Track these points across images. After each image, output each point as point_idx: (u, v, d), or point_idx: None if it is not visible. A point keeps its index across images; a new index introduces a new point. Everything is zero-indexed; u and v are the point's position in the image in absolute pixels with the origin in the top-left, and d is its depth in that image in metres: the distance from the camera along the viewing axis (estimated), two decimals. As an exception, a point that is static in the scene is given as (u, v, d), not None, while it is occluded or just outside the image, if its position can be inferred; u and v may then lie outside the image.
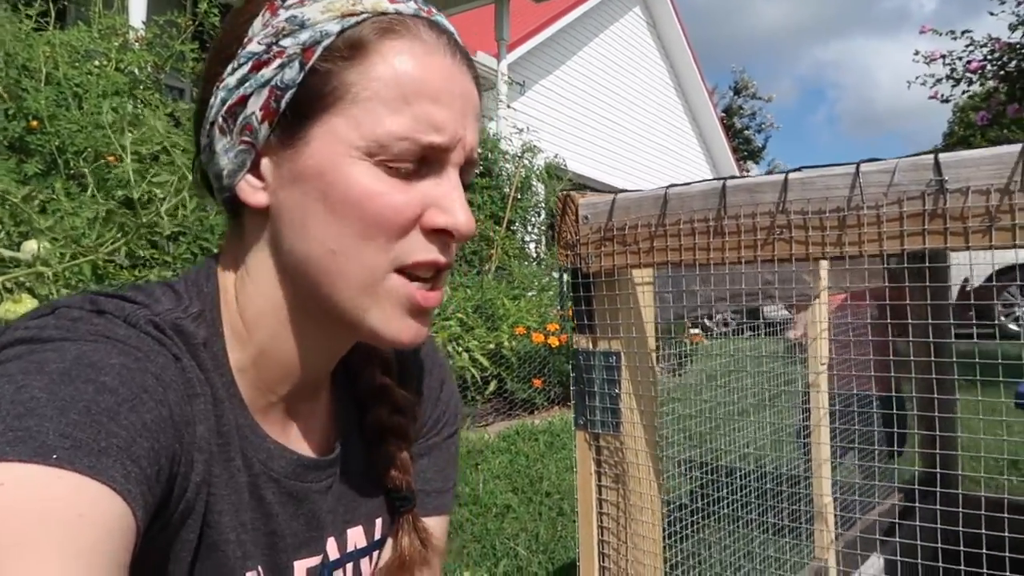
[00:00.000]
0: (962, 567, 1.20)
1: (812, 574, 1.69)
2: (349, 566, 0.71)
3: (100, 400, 0.46)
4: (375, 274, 0.57)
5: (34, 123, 3.88)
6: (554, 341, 4.71)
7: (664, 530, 1.45)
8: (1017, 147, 0.69)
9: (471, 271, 5.84)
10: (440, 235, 0.58)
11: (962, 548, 1.14)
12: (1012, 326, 7.81)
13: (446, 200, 0.57)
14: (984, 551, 1.20)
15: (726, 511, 1.71)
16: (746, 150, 24.05)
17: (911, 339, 1.35)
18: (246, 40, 0.58)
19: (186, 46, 4.90)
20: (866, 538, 1.94)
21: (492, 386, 4.56)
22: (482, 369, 4.42)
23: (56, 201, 3.08)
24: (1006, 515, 1.13)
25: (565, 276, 1.06)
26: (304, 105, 0.56)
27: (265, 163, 0.58)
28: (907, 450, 2.36)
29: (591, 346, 1.03)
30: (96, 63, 4.46)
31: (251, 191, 0.59)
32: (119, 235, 2.28)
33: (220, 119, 0.59)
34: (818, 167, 0.81)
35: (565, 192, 1.02)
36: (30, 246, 2.29)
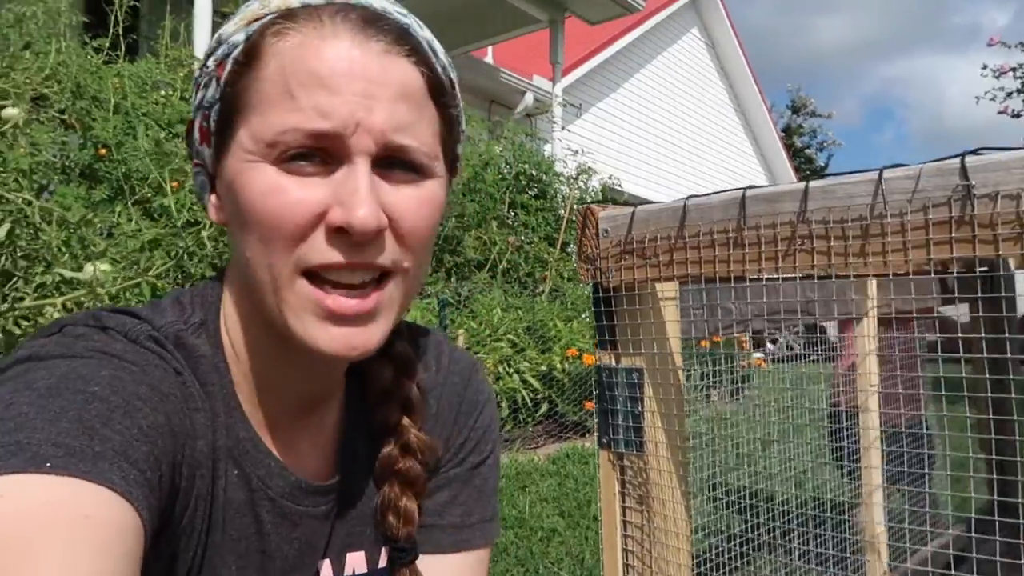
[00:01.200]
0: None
1: (863, 606, 1.61)
2: None
3: (90, 408, 0.46)
4: (280, 279, 0.54)
5: (102, 151, 4.05)
6: (589, 359, 4.66)
7: (699, 556, 1.40)
8: (1049, 149, 0.65)
9: (523, 292, 5.83)
10: (344, 234, 0.53)
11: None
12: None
13: (346, 194, 0.53)
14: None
15: (774, 540, 1.65)
16: (808, 169, 23.58)
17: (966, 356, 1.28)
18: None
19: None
20: (920, 571, 1.85)
21: (543, 408, 4.53)
22: (533, 391, 4.40)
23: (119, 226, 3.20)
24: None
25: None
26: (222, 121, 0.57)
27: (218, 183, 0.60)
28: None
29: (614, 362, 1.01)
30: (162, 93, 4.64)
31: (214, 210, 0.61)
32: (167, 258, 2.36)
33: (187, 145, 0.62)
34: (839, 175, 0.78)
35: (585, 205, 1.00)
36: (89, 268, 2.39)
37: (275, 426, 0.63)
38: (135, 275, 2.66)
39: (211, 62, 0.58)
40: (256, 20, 0.55)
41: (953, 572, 1.70)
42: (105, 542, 0.41)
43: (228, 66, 0.56)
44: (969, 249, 0.69)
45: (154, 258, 2.44)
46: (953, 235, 0.70)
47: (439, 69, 0.58)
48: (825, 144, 24.59)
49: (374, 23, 0.54)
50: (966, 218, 0.69)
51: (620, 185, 8.39)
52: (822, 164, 24.43)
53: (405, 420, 0.68)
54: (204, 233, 2.16)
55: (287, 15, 0.54)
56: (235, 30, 0.56)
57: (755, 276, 0.84)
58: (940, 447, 2.14)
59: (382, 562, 0.71)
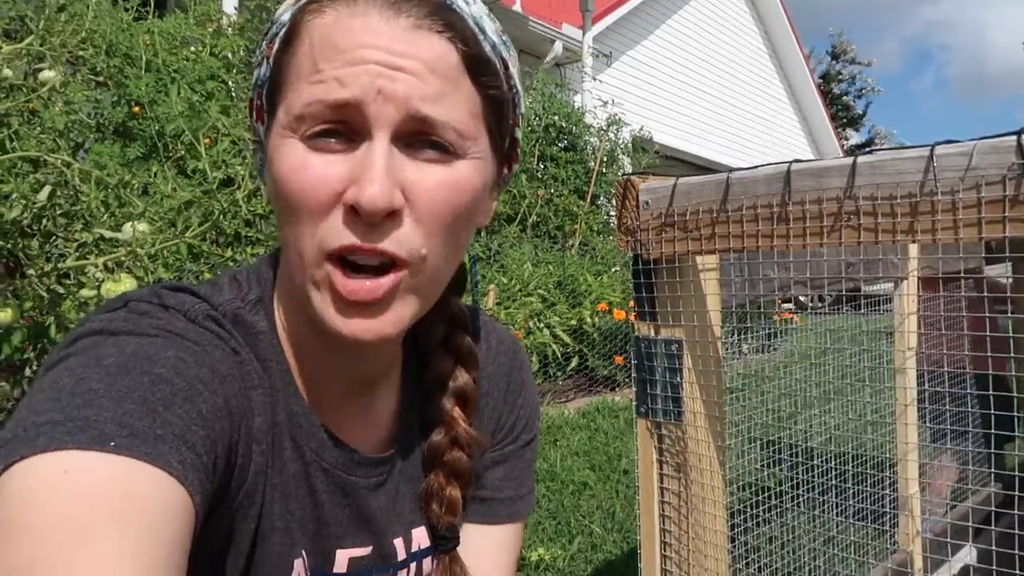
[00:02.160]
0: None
1: (896, 564, 1.63)
2: (413, 566, 0.72)
3: (155, 391, 0.48)
4: (307, 259, 0.54)
5: (136, 108, 4.07)
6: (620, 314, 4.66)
7: (735, 513, 1.42)
8: (1111, 127, 0.63)
9: (553, 246, 5.82)
10: (350, 214, 0.53)
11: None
12: None
13: (360, 170, 0.52)
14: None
15: (809, 494, 1.66)
16: (845, 117, 22.98)
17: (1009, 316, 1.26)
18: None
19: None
20: (960, 526, 1.85)
21: (573, 362, 4.56)
22: (563, 345, 4.42)
23: (155, 184, 3.23)
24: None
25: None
26: (269, 99, 0.58)
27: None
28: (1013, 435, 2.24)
29: (653, 333, 1.01)
30: (192, 49, 4.64)
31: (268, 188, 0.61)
32: (203, 218, 2.39)
33: (250, 124, 0.63)
34: (889, 150, 0.76)
35: (625, 176, 0.99)
36: (128, 228, 2.43)
37: (327, 402, 0.65)
38: (173, 236, 2.70)
39: (264, 42, 0.59)
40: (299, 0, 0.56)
41: (993, 527, 1.70)
42: (158, 524, 0.42)
43: (275, 45, 0.57)
44: (1022, 229, 0.68)
45: (191, 219, 2.47)
46: (1007, 214, 0.69)
47: (485, 47, 0.56)
48: (864, 91, 23.94)
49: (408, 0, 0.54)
50: (1021, 197, 0.68)
51: (651, 136, 8.28)
52: (859, 112, 23.81)
53: (457, 412, 0.69)
54: (239, 194, 2.17)
55: None
56: (284, 9, 0.57)
57: (799, 250, 0.84)
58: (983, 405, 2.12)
59: None
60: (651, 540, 1.06)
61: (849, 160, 0.79)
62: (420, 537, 0.72)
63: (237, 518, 0.56)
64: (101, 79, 3.92)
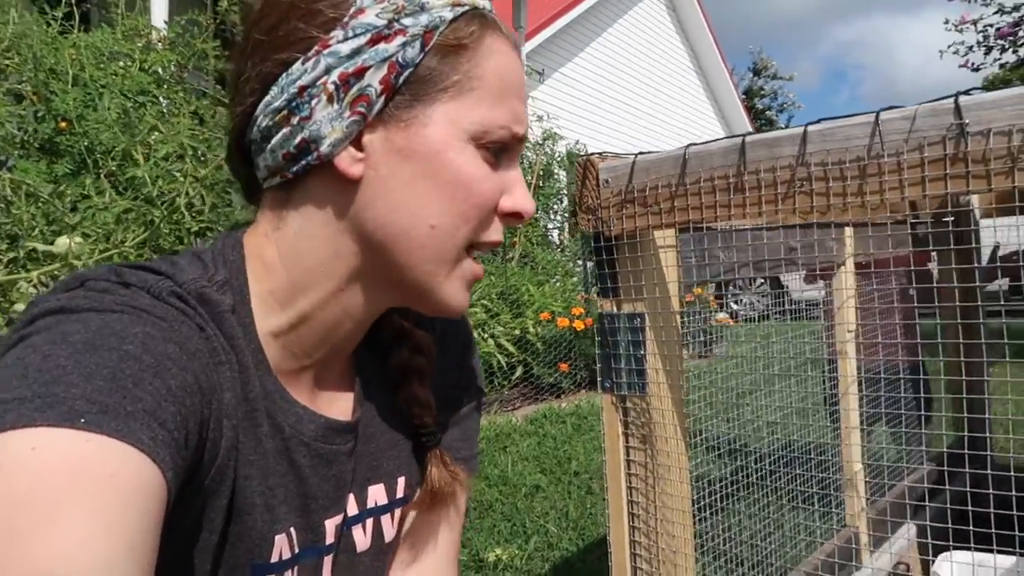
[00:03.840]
0: (993, 530, 1.20)
1: (843, 541, 1.69)
2: (369, 521, 0.73)
3: (124, 367, 0.47)
4: (460, 251, 0.62)
5: (63, 124, 3.95)
6: (579, 325, 4.71)
7: (693, 496, 1.46)
8: (1037, 86, 0.69)
9: (495, 258, 5.85)
10: (511, 218, 0.64)
11: (992, 511, 1.14)
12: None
13: (518, 186, 0.64)
14: (1016, 512, 1.20)
15: (755, 481, 1.71)
16: (768, 131, 23.80)
17: (938, 308, 1.34)
18: (353, 10, 0.58)
19: (208, 44, 4.95)
20: (898, 504, 1.94)
21: (518, 371, 4.58)
22: (508, 355, 4.44)
23: (88, 199, 3.14)
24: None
25: (590, 244, 1.07)
26: (419, 85, 0.59)
27: (368, 135, 0.59)
28: (934, 414, 2.35)
29: (615, 309, 1.04)
30: (120, 64, 4.53)
31: (350, 161, 0.59)
32: (142, 231, 2.33)
33: (331, 86, 0.58)
34: (837, 118, 0.81)
35: (585, 156, 1.02)
36: (63, 241, 2.35)
37: (300, 377, 0.66)
38: (109, 247, 2.62)
39: (411, 22, 0.58)
40: (458, 5, 0.60)
41: (927, 503, 1.78)
42: (130, 501, 0.42)
43: (436, 37, 0.59)
44: (963, 185, 0.73)
45: (129, 230, 2.41)
46: (948, 172, 0.74)
47: None
48: (785, 106, 24.83)
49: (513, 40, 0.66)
50: (960, 155, 0.73)
51: (587, 150, 8.42)
52: (782, 126, 24.65)
53: (406, 323, 0.75)
54: (180, 200, 2.13)
55: (483, 15, 0.62)
56: (440, 4, 0.59)
57: (756, 219, 0.88)
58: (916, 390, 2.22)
59: (399, 492, 0.75)
60: (619, 511, 1.08)
61: (800, 129, 0.83)
62: (376, 494, 0.73)
63: (209, 494, 0.56)
64: (28, 94, 3.79)
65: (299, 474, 0.64)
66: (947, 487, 1.95)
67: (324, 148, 0.58)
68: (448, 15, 0.59)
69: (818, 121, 0.83)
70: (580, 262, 6.32)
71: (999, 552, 1.53)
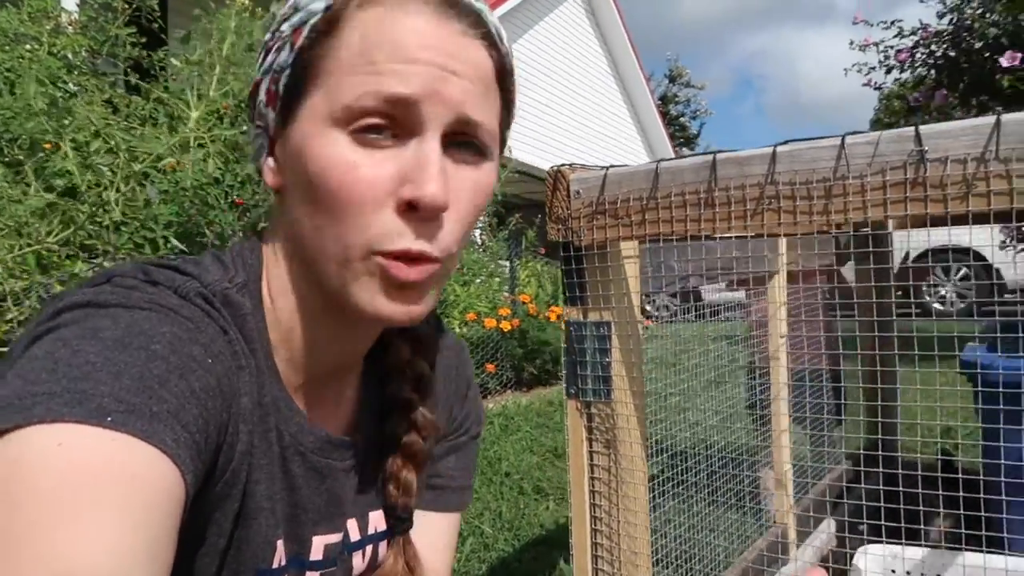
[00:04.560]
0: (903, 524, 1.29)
1: (774, 537, 1.77)
2: (369, 548, 0.73)
3: (152, 367, 0.47)
4: (351, 251, 0.56)
5: (-36, 108, 3.71)
6: (506, 326, 4.75)
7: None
8: (992, 119, 0.75)
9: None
10: (412, 209, 0.55)
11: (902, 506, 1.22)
12: (936, 305, 8.19)
13: (415, 168, 0.54)
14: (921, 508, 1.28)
15: (692, 481, 1.78)
16: (682, 136, 24.46)
17: (856, 318, 1.42)
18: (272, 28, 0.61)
19: (123, 30, 4.74)
20: (818, 507, 2.04)
21: (445, 372, 4.57)
22: (435, 355, 4.43)
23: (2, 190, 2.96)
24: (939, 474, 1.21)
25: (562, 252, 1.09)
26: (294, 86, 0.58)
27: (277, 146, 0.61)
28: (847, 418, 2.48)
29: (582, 317, 1.07)
30: (28, 47, 4.29)
31: (270, 173, 0.62)
32: (60, 225, 2.21)
33: (249, 107, 0.63)
34: (805, 140, 0.86)
35: (555, 168, 1.05)
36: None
37: (305, 387, 0.66)
38: (23, 242, 2.48)
39: (286, 27, 0.59)
40: None
41: (845, 500, 1.89)
42: (152, 503, 0.42)
43: (305, 33, 0.57)
44: (922, 208, 0.79)
45: (53, 223, 2.29)
46: (908, 195, 0.80)
47: (505, 55, 0.61)
48: (698, 113, 25.59)
49: (453, 6, 0.56)
50: (919, 179, 0.79)
51: (511, 153, 8.47)
52: (695, 132, 25.42)
53: (414, 396, 0.72)
54: (111, 195, 2.02)
55: None
56: None
57: (725, 234, 0.92)
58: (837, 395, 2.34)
59: None
60: (582, 515, 1.11)
61: (769, 149, 0.88)
62: (377, 520, 0.73)
63: (221, 498, 0.56)
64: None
65: (292, 483, 0.64)
66: (862, 484, 2.07)
67: (253, 163, 0.63)
68: (320, 6, 0.57)
69: (786, 142, 0.87)
70: (504, 263, 6.36)
71: (911, 545, 1.64)
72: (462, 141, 0.57)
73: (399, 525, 0.73)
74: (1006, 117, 0.74)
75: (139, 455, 0.43)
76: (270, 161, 0.62)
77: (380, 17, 0.54)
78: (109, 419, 0.42)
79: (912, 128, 0.79)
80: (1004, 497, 1.69)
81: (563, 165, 1.04)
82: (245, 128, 3.73)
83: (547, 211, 1.06)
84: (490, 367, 4.71)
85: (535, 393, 4.99)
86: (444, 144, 0.56)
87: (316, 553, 0.68)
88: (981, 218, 0.78)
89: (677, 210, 0.94)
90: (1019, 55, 3.90)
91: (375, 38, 0.54)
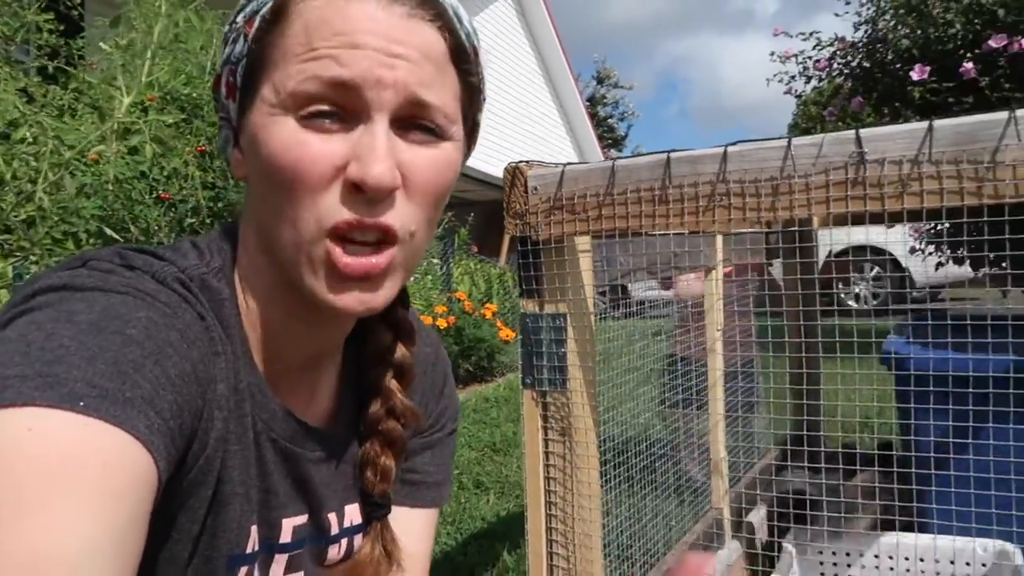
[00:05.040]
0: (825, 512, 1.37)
1: (712, 520, 1.85)
2: (344, 541, 0.74)
3: (127, 352, 0.47)
4: (303, 235, 0.56)
5: None
6: (442, 323, 4.75)
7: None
8: (925, 124, 0.81)
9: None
10: (359, 191, 0.55)
11: (825, 498, 1.30)
12: (850, 303, 8.57)
13: (362, 150, 0.54)
14: (842, 500, 1.37)
15: (630, 475, 1.83)
16: (610, 138, 24.85)
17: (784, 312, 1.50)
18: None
19: (39, 16, 4.54)
20: (750, 493, 2.13)
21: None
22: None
23: None
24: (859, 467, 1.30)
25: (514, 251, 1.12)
26: (248, 76, 0.58)
27: (241, 137, 0.61)
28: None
29: (539, 309, 1.10)
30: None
31: (236, 164, 0.63)
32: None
33: (214, 99, 0.64)
34: (754, 141, 0.91)
35: (513, 164, 1.08)
36: None
37: (278, 375, 0.66)
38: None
39: (240, 18, 0.59)
40: None
41: (774, 491, 1.98)
42: (123, 490, 0.42)
43: (256, 23, 0.57)
44: (861, 205, 0.85)
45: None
46: (849, 194, 0.86)
47: (463, 35, 0.61)
48: (625, 115, 26.03)
49: None
50: (859, 179, 0.85)
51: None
52: (623, 134, 25.84)
53: (394, 383, 0.72)
54: (38, 187, 1.94)
55: None
56: None
57: (679, 229, 0.96)
58: (762, 387, 2.45)
59: None
60: (537, 501, 1.14)
61: (721, 149, 0.93)
62: (353, 514, 0.74)
63: (195, 485, 0.56)
64: None
65: (264, 469, 0.64)
66: (789, 474, 2.17)
67: (222, 154, 0.64)
68: None
69: (736, 143, 0.93)
70: (437, 261, 6.36)
71: (835, 530, 1.74)
72: (414, 121, 0.57)
73: (377, 511, 0.73)
74: (938, 123, 0.81)
75: (111, 441, 0.43)
76: (235, 152, 0.62)
77: (324, 5, 0.55)
78: (82, 404, 0.42)
79: (853, 131, 0.85)
80: (925, 475, 1.80)
81: (521, 162, 1.07)
82: (172, 119, 3.63)
83: (505, 207, 1.08)
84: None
85: (471, 390, 5.01)
86: (397, 127, 0.56)
87: (285, 536, 0.68)
88: (905, 217, 0.84)
89: (632, 206, 0.99)
90: (927, 68, 4.11)
91: (318, 25, 0.54)
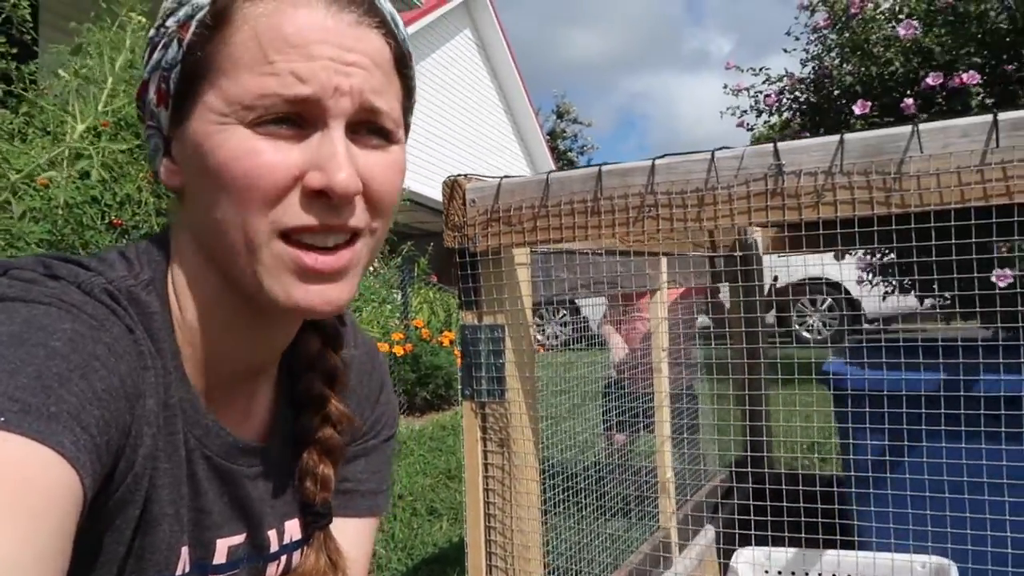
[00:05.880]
0: (785, 532, 1.40)
1: (658, 543, 1.86)
2: (284, 558, 0.72)
3: (51, 365, 0.46)
4: (256, 240, 0.55)
5: None
6: (399, 350, 4.74)
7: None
8: (836, 138, 0.86)
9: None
10: (321, 197, 0.55)
11: (775, 518, 1.33)
12: (804, 333, 8.73)
13: (324, 158, 0.54)
14: (796, 518, 1.40)
15: (575, 494, 1.84)
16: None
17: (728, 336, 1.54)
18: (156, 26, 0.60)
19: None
20: (696, 515, 2.15)
21: (335, 398, 4.51)
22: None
23: None
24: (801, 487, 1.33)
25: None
26: (184, 83, 0.57)
27: (174, 145, 0.60)
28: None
29: (477, 321, 1.12)
30: None
31: (168, 174, 0.61)
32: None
33: (137, 107, 0.62)
34: (680, 154, 0.95)
35: (452, 178, 1.10)
36: None
37: (213, 389, 0.64)
38: None
39: (171, 22, 0.57)
40: None
41: (719, 513, 1.99)
42: (46, 509, 0.41)
43: (192, 28, 0.56)
44: (780, 215, 0.89)
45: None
46: (768, 204, 0.89)
47: (402, 41, 0.62)
48: (585, 148, 26.41)
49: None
50: (778, 190, 0.89)
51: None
52: (583, 167, 26.15)
53: (327, 391, 0.71)
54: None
55: None
56: None
57: (610, 240, 0.99)
58: (707, 412, 2.49)
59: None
60: (476, 513, 1.14)
61: (648, 162, 0.96)
62: (292, 529, 0.73)
63: (122, 503, 0.55)
64: None
65: (196, 487, 0.63)
66: (734, 497, 2.20)
67: (151, 164, 0.62)
68: (205, 0, 0.56)
69: (663, 156, 0.96)
70: (396, 290, 6.34)
71: (779, 548, 1.76)
72: (365, 126, 0.58)
73: (318, 521, 0.72)
74: (849, 136, 0.85)
75: (34, 458, 0.41)
76: (166, 161, 0.61)
77: (271, 12, 0.54)
78: (2, 419, 0.41)
79: (771, 144, 0.89)
80: (861, 495, 1.84)
81: (459, 175, 1.09)
82: (126, 145, 3.60)
83: (444, 219, 1.10)
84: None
85: (428, 418, 4.98)
86: (349, 132, 0.57)
87: (220, 556, 0.66)
88: (830, 226, 0.88)
89: (566, 218, 1.01)
90: (868, 103, 4.27)
91: (269, 35, 0.54)
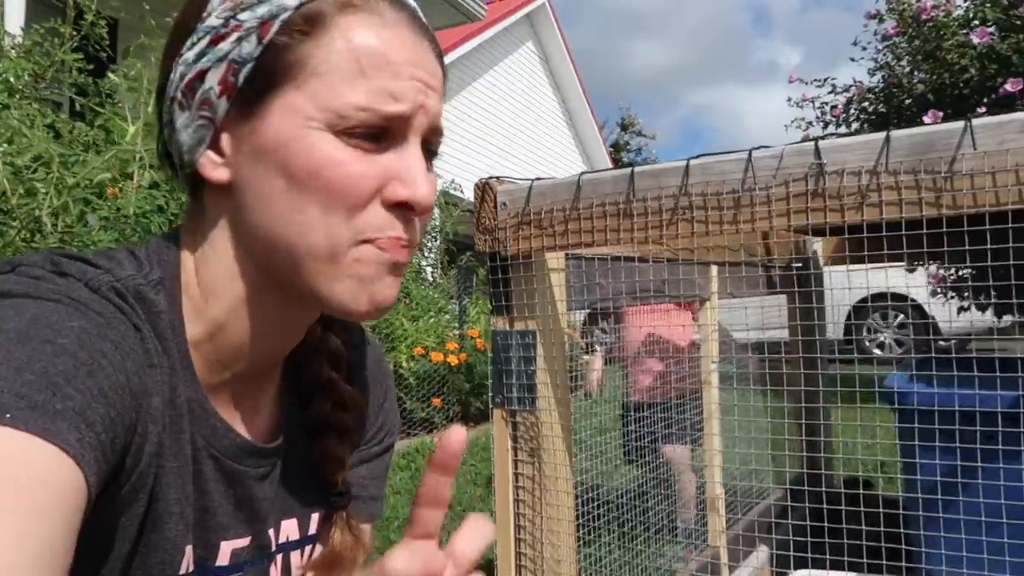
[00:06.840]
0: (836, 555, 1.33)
1: (708, 557, 1.80)
2: (279, 557, 0.72)
3: (57, 362, 0.46)
4: (339, 246, 0.56)
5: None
6: (454, 360, 4.74)
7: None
8: (882, 135, 0.80)
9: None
10: (402, 209, 0.57)
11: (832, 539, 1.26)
12: (876, 351, 8.43)
13: (407, 172, 0.57)
14: (858, 541, 1.33)
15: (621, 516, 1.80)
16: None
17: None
18: (204, 15, 0.59)
19: (69, 55, 4.69)
20: (748, 535, 2.08)
21: (390, 406, 4.54)
22: (380, 389, 4.39)
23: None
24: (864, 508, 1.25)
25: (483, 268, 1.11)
26: (262, 79, 0.57)
27: (225, 138, 0.59)
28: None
29: (508, 326, 1.09)
30: (-32, 70, 4.22)
31: (211, 167, 0.60)
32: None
33: (179, 94, 0.60)
34: (715, 153, 0.91)
35: (483, 180, 1.08)
36: None
37: (222, 389, 0.64)
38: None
39: (246, 16, 0.57)
40: None
41: (773, 534, 1.92)
42: (49, 505, 0.41)
43: (276, 27, 0.56)
44: (821, 217, 0.84)
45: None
46: (809, 205, 0.84)
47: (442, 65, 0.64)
48: (648, 161, 26.20)
49: (420, 23, 0.60)
50: (819, 191, 0.84)
51: (462, 190, 8.56)
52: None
53: (334, 375, 0.71)
54: (43, 212, 1.98)
55: None
56: None
57: (642, 244, 0.96)
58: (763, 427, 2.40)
59: (311, 528, 0.74)
60: (506, 523, 1.11)
61: (683, 162, 0.92)
62: (289, 528, 0.72)
63: (126, 502, 0.55)
64: None
65: (202, 488, 0.62)
66: (789, 517, 2.11)
67: (186, 156, 0.60)
68: (292, 2, 0.57)
69: (698, 156, 0.92)
70: (455, 300, 6.37)
71: (838, 573, 1.68)
72: (427, 147, 0.60)
73: (340, 500, 0.72)
74: (895, 133, 0.80)
75: (39, 455, 0.41)
76: (211, 154, 0.60)
77: (363, 25, 0.56)
78: (8, 416, 0.41)
79: (812, 143, 0.84)
80: (917, 516, 1.74)
81: (491, 178, 1.07)
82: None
83: (475, 222, 1.08)
84: (436, 401, 4.69)
85: (481, 428, 4.97)
86: None
87: (223, 559, 0.65)
88: (876, 228, 0.83)
89: (598, 220, 0.98)
90: (940, 114, 4.10)
91: (365, 50, 0.56)
